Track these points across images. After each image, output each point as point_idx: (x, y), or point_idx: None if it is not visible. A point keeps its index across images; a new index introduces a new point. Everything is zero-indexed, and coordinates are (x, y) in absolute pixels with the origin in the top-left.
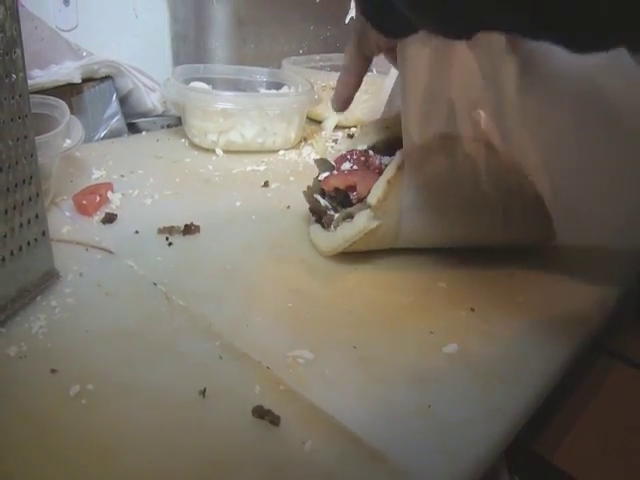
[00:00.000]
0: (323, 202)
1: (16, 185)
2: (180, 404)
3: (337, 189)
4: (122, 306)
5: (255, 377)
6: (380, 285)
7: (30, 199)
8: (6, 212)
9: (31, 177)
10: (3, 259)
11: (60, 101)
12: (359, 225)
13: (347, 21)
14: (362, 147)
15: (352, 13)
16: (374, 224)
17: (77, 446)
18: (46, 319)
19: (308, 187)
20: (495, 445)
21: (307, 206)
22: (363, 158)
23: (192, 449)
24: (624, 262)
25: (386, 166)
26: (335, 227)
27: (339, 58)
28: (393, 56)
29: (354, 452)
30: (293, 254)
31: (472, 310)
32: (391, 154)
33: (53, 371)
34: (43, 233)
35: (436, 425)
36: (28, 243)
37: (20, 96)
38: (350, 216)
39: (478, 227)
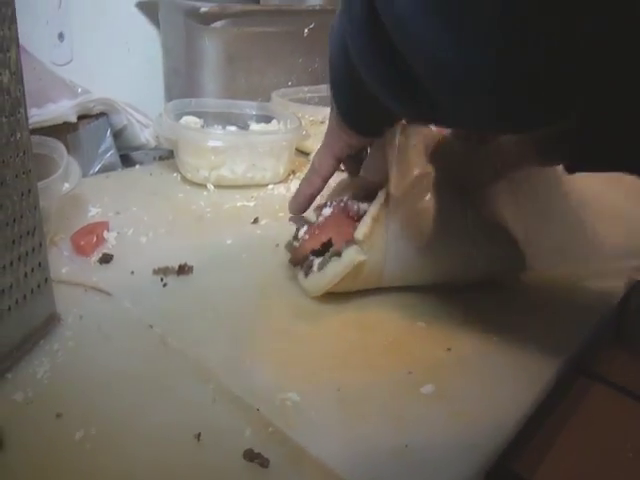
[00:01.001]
0: None
1: (21, 237)
2: (177, 448)
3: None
4: (120, 349)
5: (246, 420)
6: (363, 326)
7: (34, 249)
8: (12, 264)
9: (35, 228)
10: (9, 308)
11: (58, 142)
12: (348, 258)
13: None
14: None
15: None
16: (362, 257)
17: None
18: (50, 363)
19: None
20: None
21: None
22: (342, 204)
23: None
24: (595, 298)
25: (364, 212)
26: (321, 267)
27: (326, 89)
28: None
29: None
30: (281, 294)
31: (449, 350)
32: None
33: (58, 415)
34: (46, 280)
35: (413, 464)
36: (32, 291)
37: (24, 153)
38: (338, 254)
39: (455, 260)
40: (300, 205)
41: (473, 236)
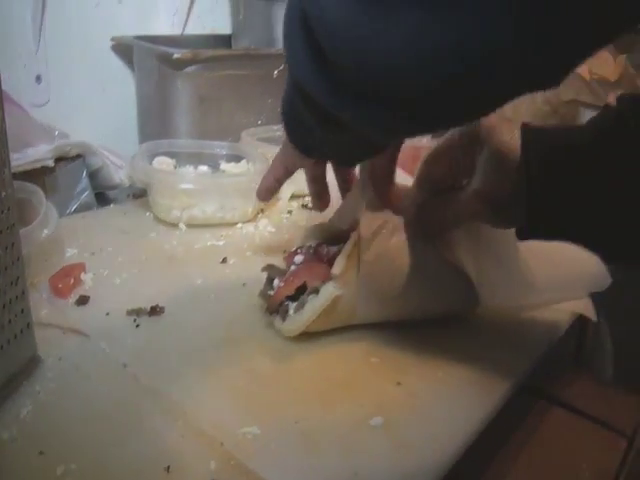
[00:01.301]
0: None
1: (5, 287)
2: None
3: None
4: (97, 389)
5: (211, 453)
6: (322, 362)
7: (17, 297)
8: None
9: (18, 278)
10: None
11: (37, 187)
12: (326, 292)
13: None
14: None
15: None
16: (339, 291)
17: None
18: (32, 403)
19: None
20: None
21: (260, 281)
22: (311, 250)
23: None
24: (541, 330)
25: (334, 254)
26: (299, 307)
27: None
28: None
29: None
30: (247, 334)
31: (398, 384)
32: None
33: (41, 453)
34: (28, 325)
35: None
36: (15, 336)
37: (9, 209)
38: (316, 291)
39: (421, 299)
40: (261, 196)
41: (436, 278)
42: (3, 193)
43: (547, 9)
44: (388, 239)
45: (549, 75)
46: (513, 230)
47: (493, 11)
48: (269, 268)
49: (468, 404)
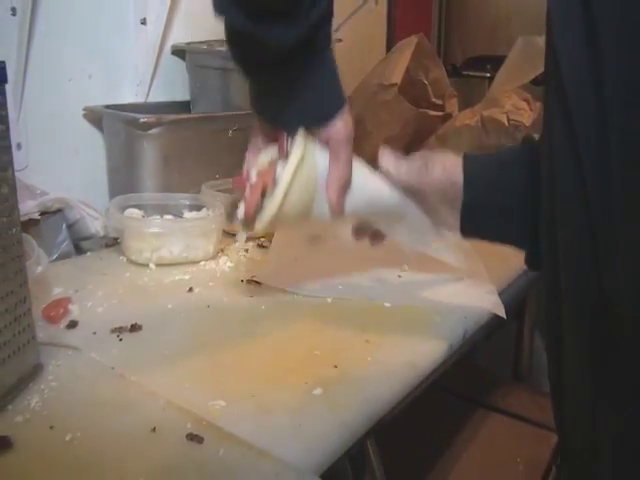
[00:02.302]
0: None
1: (16, 304)
2: (139, 437)
3: None
4: (90, 384)
5: (187, 418)
6: (274, 355)
7: (25, 314)
8: (10, 324)
9: (25, 298)
10: (9, 356)
11: (28, 236)
12: (297, 147)
13: None
14: None
15: None
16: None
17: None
18: (39, 397)
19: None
20: (342, 445)
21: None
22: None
23: (149, 463)
24: (454, 327)
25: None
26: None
27: None
28: None
29: (249, 454)
30: (211, 339)
31: (335, 367)
32: None
33: (51, 427)
34: (33, 337)
35: (304, 436)
36: (23, 345)
37: (18, 242)
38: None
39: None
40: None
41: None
42: (14, 230)
43: None
44: None
45: None
46: None
47: None
48: (232, 201)
49: (392, 378)
